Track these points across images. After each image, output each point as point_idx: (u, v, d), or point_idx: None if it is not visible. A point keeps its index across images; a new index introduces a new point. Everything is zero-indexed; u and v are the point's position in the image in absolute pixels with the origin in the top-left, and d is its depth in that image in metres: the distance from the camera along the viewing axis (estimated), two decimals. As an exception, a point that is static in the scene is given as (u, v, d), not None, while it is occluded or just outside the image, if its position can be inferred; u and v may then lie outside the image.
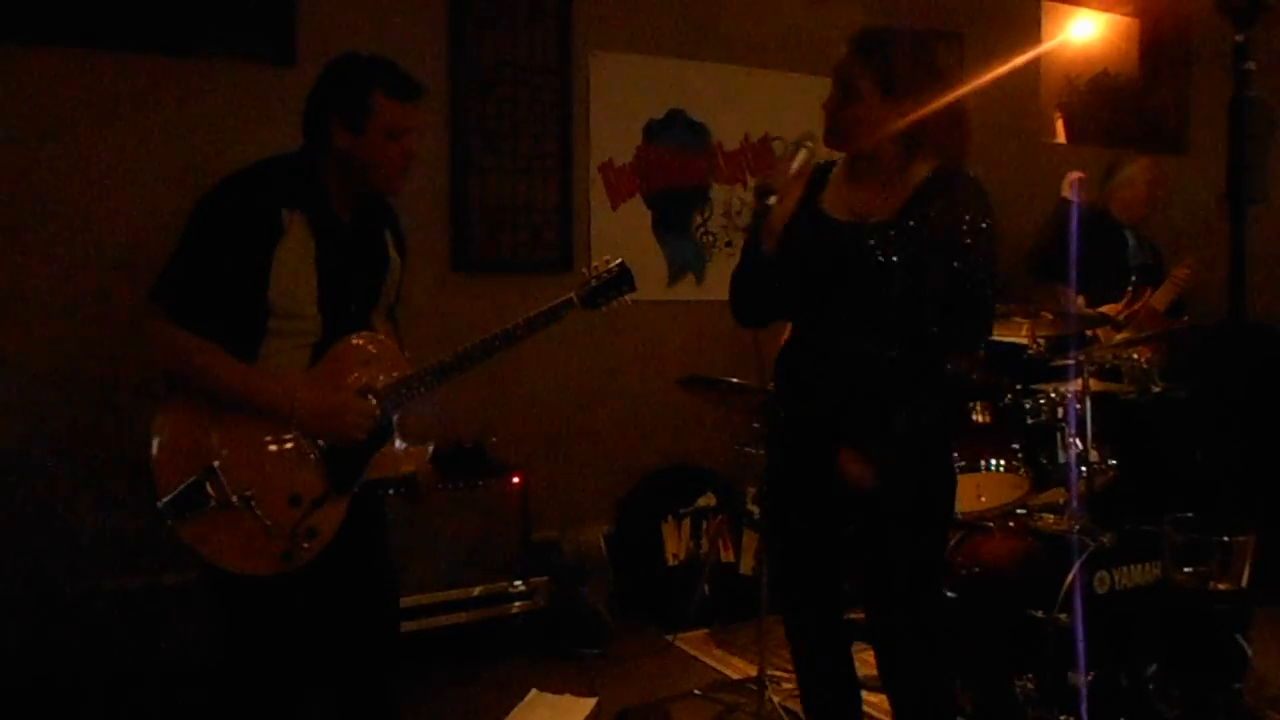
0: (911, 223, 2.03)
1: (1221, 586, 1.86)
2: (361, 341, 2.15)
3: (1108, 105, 5.16)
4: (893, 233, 2.02)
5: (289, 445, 2.04)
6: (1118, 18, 5.18)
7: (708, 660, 3.50)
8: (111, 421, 2.99)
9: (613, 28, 3.99)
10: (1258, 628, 3.61)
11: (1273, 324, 5.04)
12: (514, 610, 3.54)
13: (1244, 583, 1.84)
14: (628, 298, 2.35)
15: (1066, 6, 5.03)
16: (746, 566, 3.77)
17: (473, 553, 3.67)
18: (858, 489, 2.01)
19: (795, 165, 2.06)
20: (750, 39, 4.22)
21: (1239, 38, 1.27)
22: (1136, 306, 3.51)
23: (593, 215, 3.99)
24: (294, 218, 2.02)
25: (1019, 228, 4.34)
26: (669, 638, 3.68)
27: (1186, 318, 3.49)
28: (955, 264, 2.00)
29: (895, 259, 2.01)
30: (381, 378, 2.14)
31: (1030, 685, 2.69)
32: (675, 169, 4.13)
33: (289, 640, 2.09)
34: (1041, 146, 4.84)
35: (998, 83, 4.82)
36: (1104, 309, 3.55)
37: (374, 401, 2.10)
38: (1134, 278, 3.66)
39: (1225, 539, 1.84)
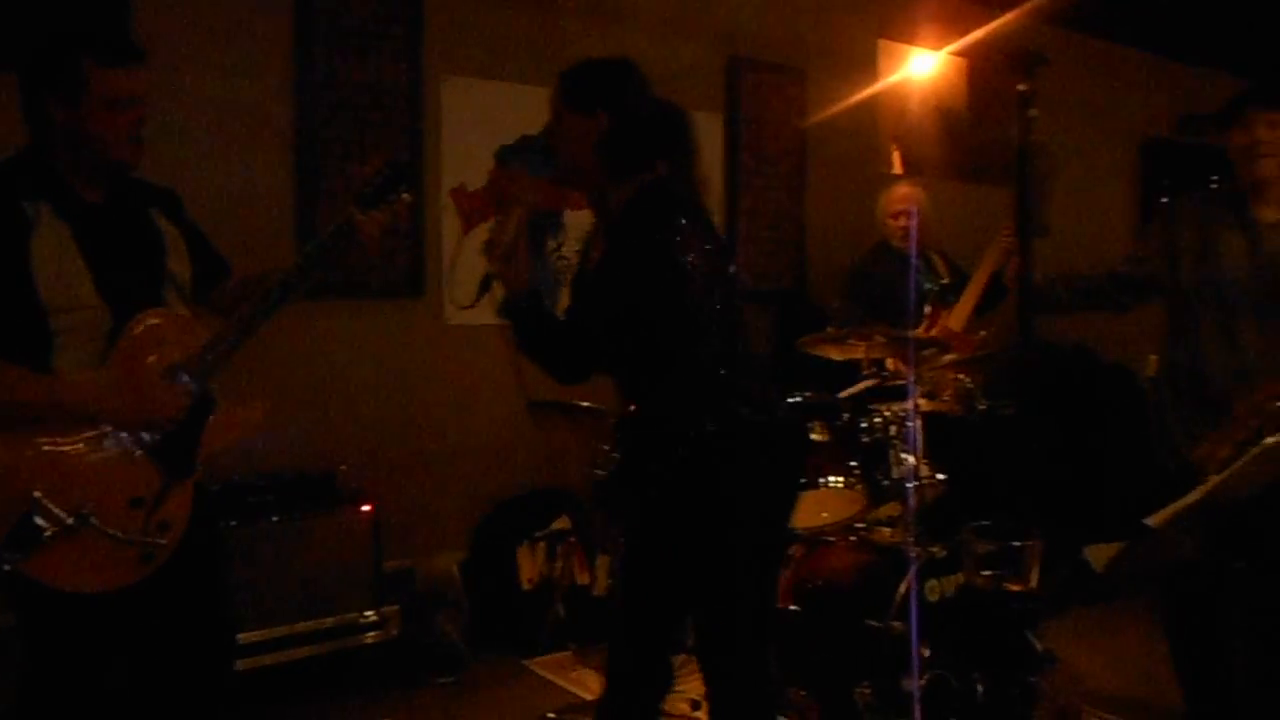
0: (614, 248, 2.08)
1: (1014, 588, 2.01)
2: (152, 321, 2.02)
3: (940, 139, 5.46)
4: (602, 264, 2.09)
5: (110, 448, 1.94)
6: (950, 56, 5.50)
7: (563, 683, 3.51)
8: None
9: (463, 53, 4.01)
10: (1077, 627, 3.88)
11: (1084, 346, 5.43)
12: (366, 641, 3.47)
13: (1033, 583, 1.99)
14: (406, 197, 2.20)
15: (901, 45, 5.32)
16: (601, 588, 3.80)
17: (322, 584, 3.57)
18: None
19: (510, 228, 2.08)
20: (600, 68, 4.29)
21: (1022, 87, 1.39)
22: (934, 329, 3.69)
23: (444, 239, 3.98)
24: (40, 208, 1.93)
25: (853, 253, 4.56)
26: (525, 662, 3.68)
27: (983, 333, 3.65)
28: (632, 292, 2.01)
29: (607, 291, 2.06)
30: (182, 351, 2.03)
31: (868, 692, 2.80)
32: (527, 194, 4.16)
33: (102, 684, 2.00)
34: (879, 177, 5.09)
35: (839, 115, 5.09)
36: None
37: (185, 379, 2.00)
38: (927, 302, 3.83)
39: (1016, 544, 1.98)
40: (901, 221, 4.14)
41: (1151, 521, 1.61)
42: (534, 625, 3.76)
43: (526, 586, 3.88)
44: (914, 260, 4.09)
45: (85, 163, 2.00)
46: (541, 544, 3.94)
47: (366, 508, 3.48)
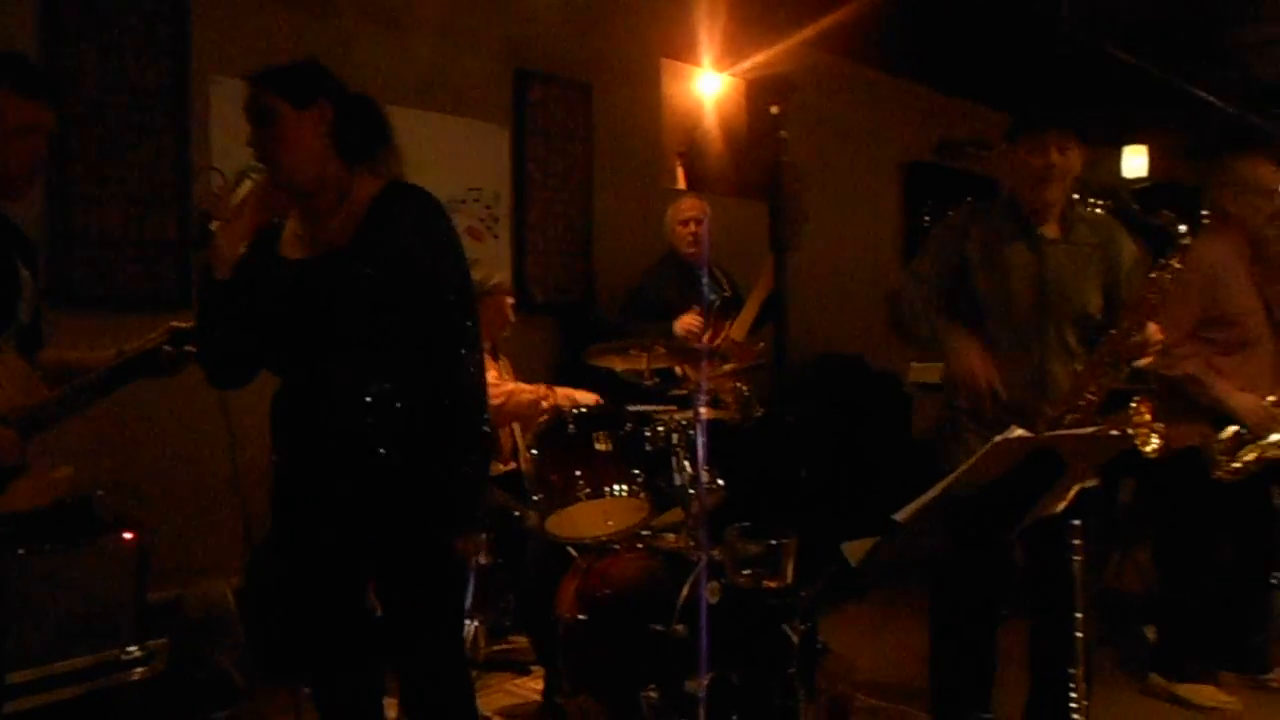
0: (369, 243, 2.06)
1: (771, 584, 2.12)
2: None
3: (721, 156, 5.68)
4: (351, 257, 2.06)
5: None
6: (730, 77, 5.72)
7: (347, 708, 3.39)
8: None
9: (235, 54, 3.83)
10: (850, 619, 4.11)
11: (855, 355, 5.77)
12: (133, 678, 3.24)
13: (789, 579, 2.11)
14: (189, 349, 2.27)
15: (684, 65, 5.50)
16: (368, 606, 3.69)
17: (80, 620, 3.30)
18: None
19: (239, 193, 2.08)
20: (382, 76, 4.21)
21: (774, 110, 1.47)
22: (719, 339, 3.85)
23: (215, 249, 3.78)
24: None
25: (639, 266, 4.67)
26: (308, 691, 3.53)
27: (762, 345, 3.83)
28: (427, 277, 2.05)
29: (359, 283, 2.04)
30: (12, 401, 1.93)
31: (655, 695, 2.86)
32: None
33: None
34: (663, 192, 5.23)
35: (625, 131, 5.20)
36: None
37: (11, 430, 1.89)
38: (712, 311, 3.99)
39: (773, 542, 2.10)
40: (691, 228, 4.30)
41: (898, 517, 1.74)
42: (317, 650, 3.61)
43: (309, 610, 3.72)
44: (703, 270, 4.25)
45: None
46: (325, 565, 3.79)
47: (128, 535, 3.24)
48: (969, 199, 3.04)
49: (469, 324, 2.11)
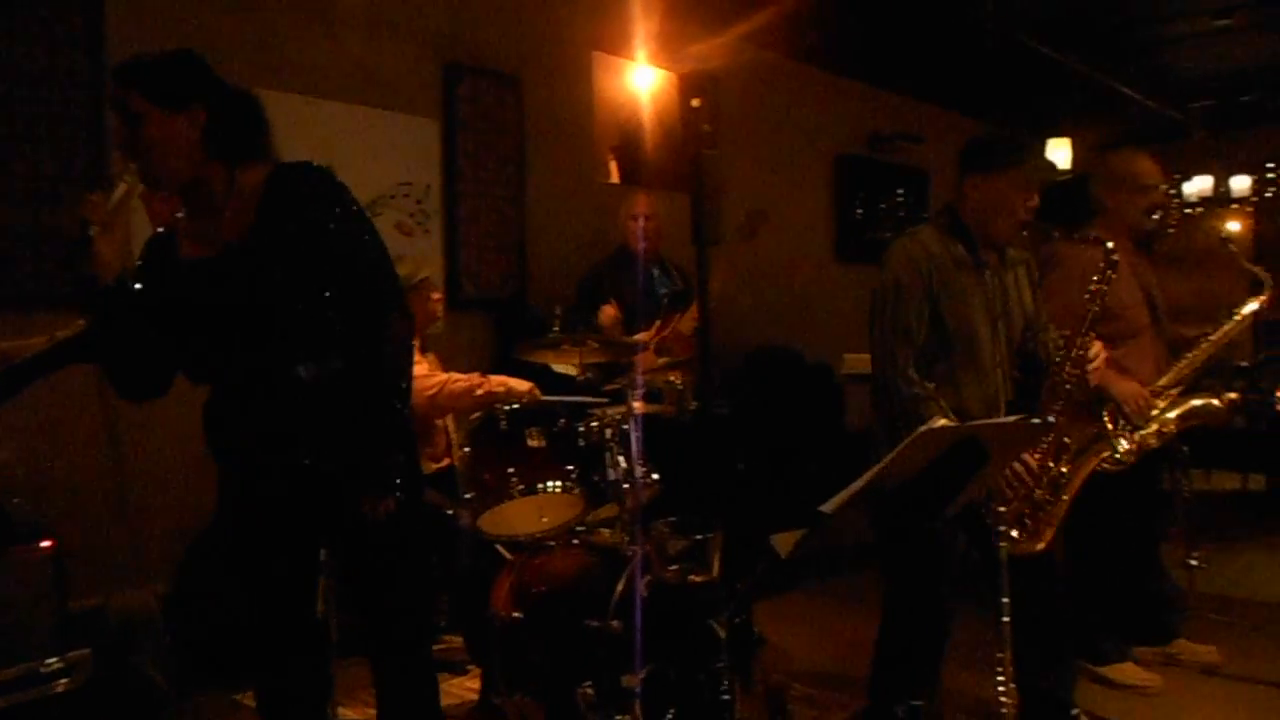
0: (270, 232, 2.01)
1: (697, 579, 2.13)
2: None
3: (655, 149, 5.67)
4: (254, 250, 2.01)
5: None
6: (664, 71, 5.72)
7: (279, 714, 3.33)
8: None
9: (152, 44, 3.69)
10: (785, 610, 4.14)
11: (790, 348, 5.81)
12: (56, 690, 3.14)
13: (715, 573, 2.12)
14: None
15: (615, 58, 5.48)
16: (319, 610, 3.63)
17: (-3, 632, 3.22)
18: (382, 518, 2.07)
19: (115, 197, 2.01)
20: (309, 69, 4.14)
21: (695, 103, 1.46)
22: (665, 332, 3.86)
23: (134, 242, 3.66)
24: None
25: (573, 261, 4.65)
26: (237, 697, 3.46)
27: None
28: (336, 249, 2.01)
29: (270, 275, 2.00)
30: None
31: (591, 692, 2.84)
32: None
33: None
34: (597, 186, 5.21)
35: (556, 125, 5.16)
36: (637, 336, 3.90)
37: None
38: (662, 305, 4.02)
39: (699, 537, 2.11)
40: (641, 223, 4.32)
41: (825, 508, 1.75)
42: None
43: (239, 615, 3.65)
44: (643, 262, 4.27)
45: None
46: (254, 569, 3.72)
47: (46, 543, 3.14)
48: (901, 192, 3.06)
49: (389, 286, 2.09)
